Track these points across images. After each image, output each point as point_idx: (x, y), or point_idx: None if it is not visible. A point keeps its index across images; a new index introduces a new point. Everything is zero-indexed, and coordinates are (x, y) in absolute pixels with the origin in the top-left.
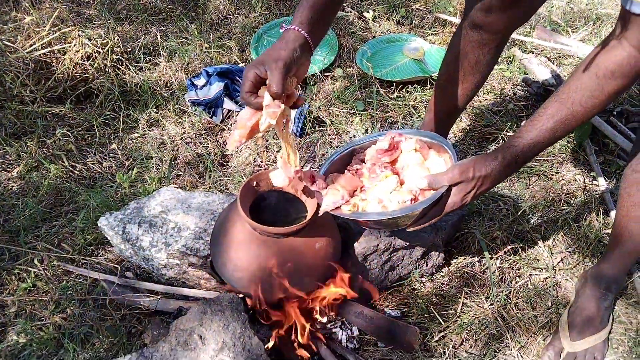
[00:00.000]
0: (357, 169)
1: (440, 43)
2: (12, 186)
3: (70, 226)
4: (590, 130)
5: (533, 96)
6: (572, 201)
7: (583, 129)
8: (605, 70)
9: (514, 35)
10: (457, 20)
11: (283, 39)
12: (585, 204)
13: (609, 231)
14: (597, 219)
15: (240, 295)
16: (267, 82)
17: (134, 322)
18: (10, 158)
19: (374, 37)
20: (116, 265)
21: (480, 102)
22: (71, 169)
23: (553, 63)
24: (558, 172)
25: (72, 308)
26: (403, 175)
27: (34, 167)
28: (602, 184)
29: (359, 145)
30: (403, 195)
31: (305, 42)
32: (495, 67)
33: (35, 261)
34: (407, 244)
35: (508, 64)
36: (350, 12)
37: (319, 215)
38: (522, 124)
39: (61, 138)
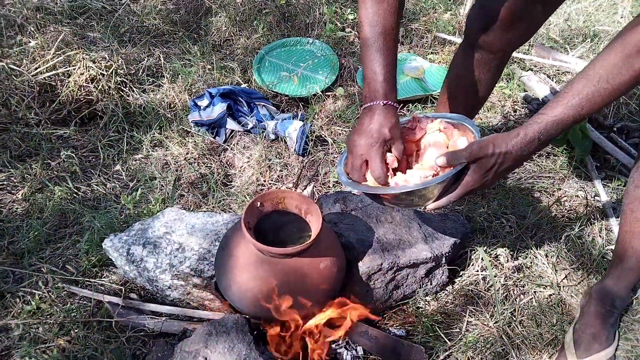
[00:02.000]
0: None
1: (439, 62)
2: (17, 208)
3: (75, 248)
4: (591, 147)
5: (533, 113)
6: (574, 217)
7: (584, 145)
8: (633, 47)
9: (513, 54)
10: (456, 39)
11: (394, 115)
12: (588, 220)
13: (613, 247)
14: (600, 235)
15: (245, 317)
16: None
17: (138, 344)
18: (15, 180)
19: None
20: (120, 287)
21: (481, 119)
22: (75, 190)
23: (552, 80)
24: (560, 189)
25: (76, 330)
26: (425, 154)
27: (39, 189)
28: (604, 199)
29: None
30: (425, 171)
31: (395, 110)
32: (496, 85)
33: (40, 283)
34: (412, 262)
35: (508, 81)
36: (351, 32)
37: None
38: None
39: (65, 160)
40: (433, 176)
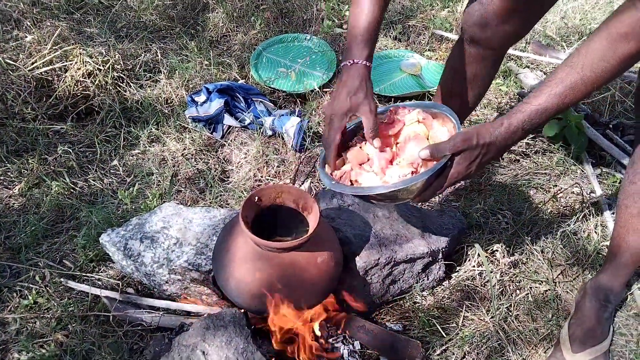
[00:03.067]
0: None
1: (437, 59)
2: (14, 203)
3: (72, 243)
4: (587, 144)
5: None
6: (570, 213)
7: (580, 141)
8: (616, 33)
9: (510, 50)
10: (453, 36)
11: (358, 77)
12: (583, 216)
13: (608, 243)
14: (595, 231)
15: (243, 311)
16: (365, 128)
17: (136, 338)
18: (11, 175)
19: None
20: (118, 282)
21: (478, 116)
22: (72, 185)
23: None
24: (556, 185)
25: (73, 325)
26: (405, 148)
27: (36, 184)
28: (600, 196)
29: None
30: (403, 169)
31: (370, 71)
32: (492, 81)
33: (37, 278)
34: (408, 257)
35: (504, 78)
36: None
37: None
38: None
39: (62, 155)
40: (412, 173)
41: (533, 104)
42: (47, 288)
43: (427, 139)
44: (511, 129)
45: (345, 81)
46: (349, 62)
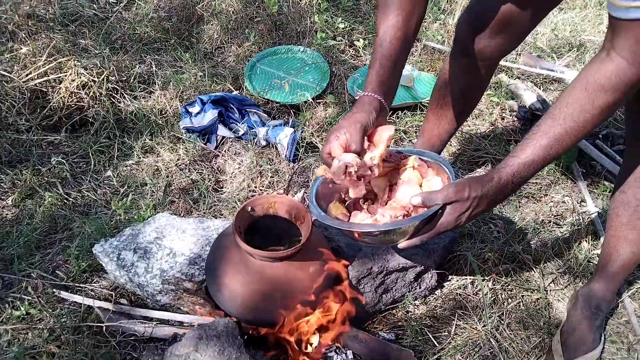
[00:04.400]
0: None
1: (429, 70)
2: (7, 214)
3: (65, 253)
4: (577, 153)
5: (520, 121)
6: (561, 223)
7: (570, 151)
8: (594, 84)
9: (501, 62)
10: (445, 48)
11: (358, 104)
12: (574, 225)
13: (598, 252)
14: (586, 240)
15: (235, 320)
16: (348, 143)
17: (129, 349)
18: (4, 186)
19: (365, 64)
20: (111, 292)
21: (470, 126)
22: (66, 196)
23: (539, 88)
24: (547, 195)
25: (66, 336)
26: (398, 191)
27: (29, 195)
28: (590, 205)
29: None
30: (395, 211)
31: (380, 104)
32: (484, 92)
33: (29, 289)
34: (401, 266)
35: (496, 89)
36: (342, 40)
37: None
38: (518, 143)
39: (56, 166)
40: (404, 216)
41: (520, 158)
42: (40, 299)
43: (420, 186)
44: (501, 183)
45: (364, 105)
46: (367, 94)
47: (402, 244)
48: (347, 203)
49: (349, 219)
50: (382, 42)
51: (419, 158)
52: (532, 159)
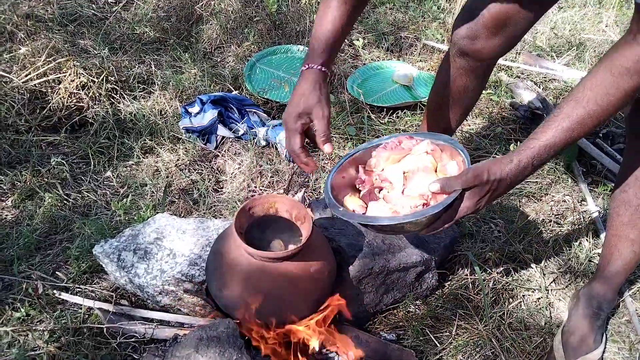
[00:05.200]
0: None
1: (428, 69)
2: (7, 215)
3: (65, 254)
4: (578, 153)
5: (520, 120)
6: (562, 222)
7: (571, 151)
8: (620, 68)
9: (500, 61)
10: (444, 47)
11: (312, 81)
12: (575, 225)
13: (599, 251)
14: (587, 239)
15: (236, 321)
16: (317, 132)
17: (129, 350)
18: (4, 187)
19: (364, 64)
20: (111, 293)
21: (470, 126)
22: (66, 197)
23: (539, 87)
24: (547, 194)
25: (66, 337)
26: (413, 179)
27: (29, 196)
28: (591, 204)
29: (365, 150)
30: (415, 200)
31: (327, 77)
32: (483, 91)
33: (30, 290)
34: (402, 266)
35: (495, 88)
36: None
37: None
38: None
39: (56, 167)
40: (423, 205)
41: (541, 140)
42: (40, 300)
43: (436, 171)
44: (521, 165)
45: (299, 85)
46: (305, 67)
47: (424, 231)
48: (361, 193)
49: (366, 210)
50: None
51: (432, 142)
52: (553, 141)
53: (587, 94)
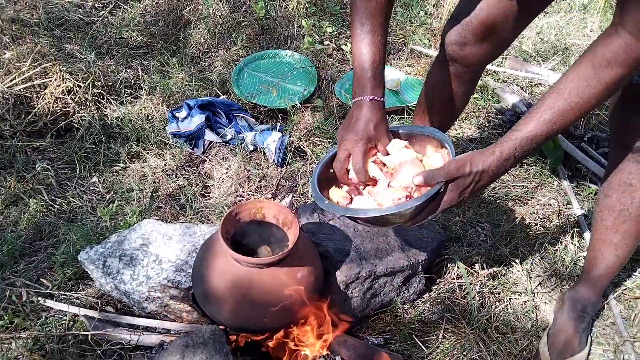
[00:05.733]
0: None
1: (415, 74)
2: None
3: (50, 261)
4: (563, 156)
5: (507, 124)
6: (547, 225)
7: (556, 154)
8: (601, 59)
9: (487, 66)
10: (431, 52)
11: (379, 112)
12: (560, 228)
13: (584, 254)
14: (572, 243)
15: (222, 328)
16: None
17: (115, 357)
18: None
19: (352, 69)
20: (96, 300)
21: (456, 130)
22: (51, 203)
23: (525, 91)
24: (533, 197)
25: (51, 345)
26: (400, 172)
27: (13, 202)
28: (576, 208)
29: None
30: (398, 193)
31: (382, 106)
32: (470, 97)
33: (14, 297)
34: (389, 271)
35: (482, 93)
36: (329, 45)
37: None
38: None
39: (41, 172)
40: (407, 197)
41: (523, 132)
42: (24, 307)
43: (422, 163)
44: (503, 156)
45: (366, 114)
46: (368, 98)
47: (408, 224)
48: (344, 188)
49: (351, 202)
50: (366, 29)
51: (411, 134)
52: (534, 133)
53: (569, 85)
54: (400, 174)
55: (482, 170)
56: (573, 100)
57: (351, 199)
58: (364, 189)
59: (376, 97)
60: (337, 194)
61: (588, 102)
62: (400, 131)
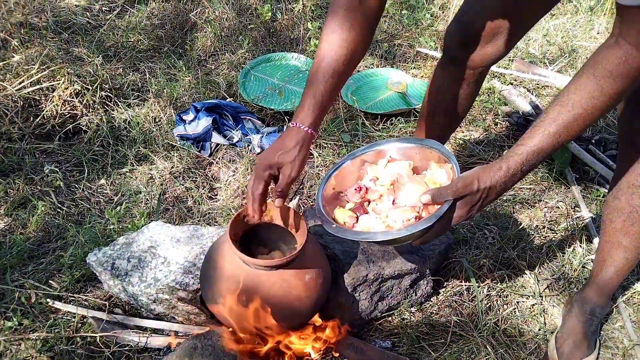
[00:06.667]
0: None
1: (422, 76)
2: None
3: (58, 263)
4: (571, 159)
5: (514, 126)
6: (555, 228)
7: (564, 157)
8: (602, 71)
9: (493, 68)
10: (437, 54)
11: (296, 141)
12: (568, 231)
13: (593, 257)
14: (580, 245)
15: (230, 330)
16: (277, 185)
17: (123, 359)
18: None
19: (358, 71)
20: (105, 302)
21: (463, 132)
22: (59, 205)
23: (532, 94)
24: (541, 200)
25: (60, 346)
26: (401, 192)
27: (22, 204)
28: (584, 210)
29: (352, 159)
30: (407, 213)
31: (312, 139)
32: (477, 98)
33: (22, 299)
34: (396, 273)
35: (489, 95)
36: None
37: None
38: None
39: (49, 175)
40: (416, 217)
41: (529, 146)
42: (33, 309)
43: (425, 181)
44: (510, 172)
45: (283, 139)
46: (293, 124)
47: (416, 242)
48: (347, 206)
49: (357, 221)
50: (324, 56)
51: (412, 147)
52: (540, 146)
53: (572, 97)
54: (404, 193)
55: (489, 186)
56: (577, 112)
57: (357, 218)
58: (368, 205)
59: (300, 125)
60: (343, 215)
61: (592, 114)
62: (401, 144)
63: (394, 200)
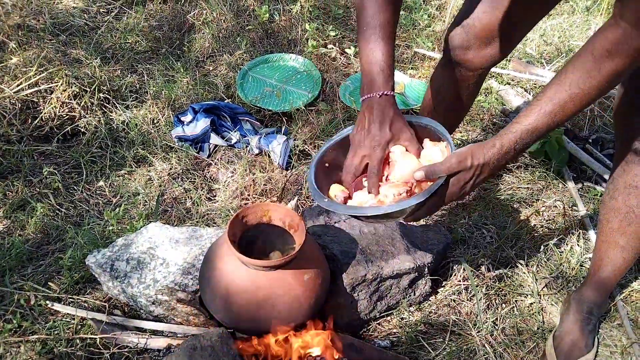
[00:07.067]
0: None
1: (420, 77)
2: None
3: (57, 265)
4: (568, 158)
5: None
6: (553, 227)
7: (561, 156)
8: (601, 50)
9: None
10: (435, 55)
11: (389, 107)
12: (566, 230)
13: (590, 255)
14: (578, 244)
15: (229, 330)
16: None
17: None
18: None
19: (356, 72)
20: (104, 303)
21: (461, 132)
22: (58, 207)
23: (529, 94)
24: (538, 199)
25: (59, 348)
26: (396, 167)
27: (20, 206)
28: (582, 209)
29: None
30: (399, 188)
31: (394, 101)
32: (474, 100)
33: (22, 301)
34: (395, 273)
35: (486, 95)
36: (333, 48)
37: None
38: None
39: (48, 176)
40: (407, 192)
41: (523, 124)
42: (32, 311)
43: (419, 155)
44: (504, 149)
45: (378, 112)
46: (377, 94)
47: (409, 218)
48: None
49: (350, 196)
50: (375, 22)
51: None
52: (535, 125)
53: (569, 76)
54: (398, 168)
55: (483, 163)
56: (574, 91)
57: (348, 192)
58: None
59: (385, 92)
60: (336, 190)
61: (589, 94)
62: None
63: (387, 177)
